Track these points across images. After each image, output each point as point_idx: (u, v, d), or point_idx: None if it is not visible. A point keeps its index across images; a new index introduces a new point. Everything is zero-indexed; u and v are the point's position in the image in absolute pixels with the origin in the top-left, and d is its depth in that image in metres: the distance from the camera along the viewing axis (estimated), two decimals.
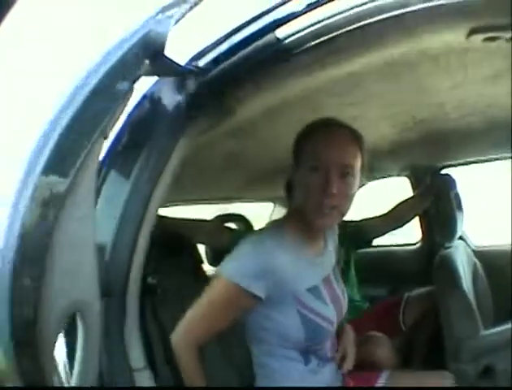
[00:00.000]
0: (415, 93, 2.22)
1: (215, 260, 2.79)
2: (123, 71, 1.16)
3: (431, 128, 2.77)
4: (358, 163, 1.76)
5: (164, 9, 1.21)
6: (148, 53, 1.19)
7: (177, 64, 1.39)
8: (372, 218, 3.57)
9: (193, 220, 2.72)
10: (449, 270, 2.82)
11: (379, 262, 2.87)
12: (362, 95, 2.12)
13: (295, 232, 1.87)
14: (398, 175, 3.73)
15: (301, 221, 1.83)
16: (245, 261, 1.77)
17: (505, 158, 3.66)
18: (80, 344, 1.17)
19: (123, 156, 1.31)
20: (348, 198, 1.75)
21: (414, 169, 3.44)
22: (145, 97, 1.38)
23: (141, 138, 1.34)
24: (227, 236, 2.69)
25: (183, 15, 1.25)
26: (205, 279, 2.38)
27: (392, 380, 2.07)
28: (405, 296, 3.17)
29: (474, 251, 3.63)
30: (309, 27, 1.39)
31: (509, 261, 3.43)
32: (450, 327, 2.66)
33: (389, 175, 3.90)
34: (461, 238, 3.44)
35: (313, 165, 1.70)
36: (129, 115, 1.34)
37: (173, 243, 2.23)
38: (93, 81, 1.13)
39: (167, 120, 1.40)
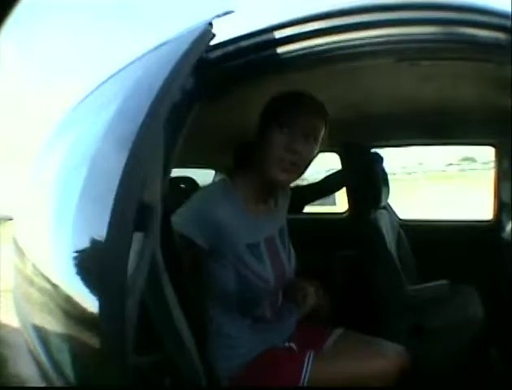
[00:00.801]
0: (349, 80, 2.46)
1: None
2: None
3: (360, 111, 3.09)
4: (321, 131, 1.97)
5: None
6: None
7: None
8: (304, 185, 3.95)
9: None
10: (373, 233, 3.14)
11: (309, 228, 3.15)
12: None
13: (243, 189, 2.04)
14: (329, 151, 4.00)
15: (253, 179, 2.04)
16: (189, 211, 1.92)
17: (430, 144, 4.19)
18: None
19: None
20: (307, 160, 1.96)
21: (345, 146, 3.66)
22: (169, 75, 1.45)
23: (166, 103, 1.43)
24: (179, 194, 3.00)
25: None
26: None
27: (343, 338, 2.21)
28: (335, 259, 3.55)
29: (399, 221, 4.02)
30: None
31: (430, 231, 3.97)
32: (377, 285, 2.99)
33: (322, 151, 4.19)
34: (385, 209, 3.76)
35: (281, 124, 1.91)
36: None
37: None
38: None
39: (186, 95, 1.59)
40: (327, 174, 3.98)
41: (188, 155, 3.59)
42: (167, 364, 1.62)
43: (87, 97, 2.25)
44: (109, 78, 2.06)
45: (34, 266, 1.73)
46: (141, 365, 1.46)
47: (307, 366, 1.97)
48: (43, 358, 1.76)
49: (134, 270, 1.30)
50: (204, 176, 4.32)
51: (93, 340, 1.36)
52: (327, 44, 1.59)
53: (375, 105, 2.97)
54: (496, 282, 3.14)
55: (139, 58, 1.80)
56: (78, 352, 1.55)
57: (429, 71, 2.20)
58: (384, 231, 3.25)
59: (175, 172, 3.61)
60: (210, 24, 1.56)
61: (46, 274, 1.81)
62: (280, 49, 1.65)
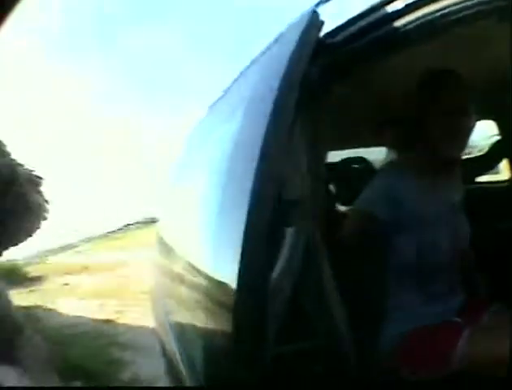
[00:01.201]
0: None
1: (346, 198, 3.04)
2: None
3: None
4: (472, 105, 2.10)
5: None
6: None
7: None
8: (472, 158, 3.82)
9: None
10: None
11: (473, 198, 3.12)
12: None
13: (416, 164, 2.20)
14: (486, 119, 3.76)
15: (425, 154, 2.17)
16: (370, 190, 2.17)
17: None
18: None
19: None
20: (469, 133, 2.13)
21: (500, 113, 3.54)
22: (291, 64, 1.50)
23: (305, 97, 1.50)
24: (353, 175, 3.07)
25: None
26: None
27: (500, 313, 2.14)
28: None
29: None
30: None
31: None
32: None
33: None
34: None
35: (439, 105, 2.07)
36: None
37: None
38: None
39: (314, 81, 1.60)
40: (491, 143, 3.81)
41: (353, 136, 3.65)
42: (316, 352, 1.63)
43: (214, 105, 2.33)
44: (231, 84, 2.12)
45: (187, 263, 1.80)
46: (285, 353, 1.49)
47: (464, 339, 1.96)
48: (177, 356, 1.83)
49: (285, 263, 1.38)
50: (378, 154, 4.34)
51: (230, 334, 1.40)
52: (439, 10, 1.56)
53: None
54: None
55: (256, 60, 1.84)
56: (214, 346, 1.62)
57: None
58: None
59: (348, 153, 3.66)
60: (315, 12, 1.58)
61: (199, 270, 1.90)
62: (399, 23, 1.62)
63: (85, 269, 13.16)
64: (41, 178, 3.63)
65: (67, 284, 11.46)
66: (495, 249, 3.11)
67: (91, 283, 11.20)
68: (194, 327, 1.58)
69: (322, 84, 1.67)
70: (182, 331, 1.86)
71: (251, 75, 1.86)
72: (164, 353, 2.12)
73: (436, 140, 2.08)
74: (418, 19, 1.59)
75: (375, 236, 2.10)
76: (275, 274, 1.34)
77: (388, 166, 2.31)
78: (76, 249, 17.01)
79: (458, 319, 2.12)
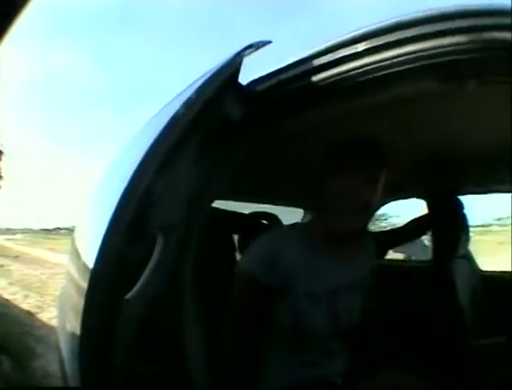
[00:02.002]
0: (431, 125, 2.41)
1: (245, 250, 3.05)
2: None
3: (446, 156, 2.98)
4: (382, 175, 1.99)
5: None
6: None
7: (243, 87, 1.71)
8: (388, 230, 3.87)
9: (234, 213, 2.98)
10: (445, 283, 3.11)
11: (391, 274, 3.10)
12: (388, 124, 2.34)
13: (317, 234, 2.08)
14: (416, 197, 3.94)
15: (326, 227, 2.05)
16: (258, 250, 2.05)
17: None
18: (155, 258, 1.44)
19: (196, 146, 1.52)
20: (370, 204, 1.98)
21: (432, 192, 3.60)
22: (213, 103, 1.56)
23: (210, 134, 1.58)
24: (260, 230, 3.03)
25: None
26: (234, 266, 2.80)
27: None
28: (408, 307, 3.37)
29: (478, 272, 3.84)
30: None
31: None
32: (440, 334, 2.96)
33: (409, 197, 4.16)
34: (465, 258, 3.62)
35: (343, 170, 1.95)
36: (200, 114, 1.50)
37: (214, 229, 2.36)
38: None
39: (232, 126, 1.65)
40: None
41: (272, 192, 3.66)
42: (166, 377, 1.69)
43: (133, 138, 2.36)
44: (153, 116, 2.12)
45: (84, 271, 1.79)
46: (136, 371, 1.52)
47: None
48: (65, 358, 1.84)
49: (142, 284, 1.40)
50: (293, 215, 4.32)
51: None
52: (362, 66, 1.56)
53: (458, 147, 2.88)
54: None
55: (179, 94, 1.84)
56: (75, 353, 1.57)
57: (498, 104, 1.95)
58: (459, 281, 3.17)
59: (260, 207, 3.66)
60: (239, 54, 1.59)
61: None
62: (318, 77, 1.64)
63: (18, 257, 13.65)
64: (1, 152, 3.61)
65: (1, 266, 11.93)
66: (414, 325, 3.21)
67: (21, 273, 11.73)
68: (73, 335, 1.56)
69: (241, 129, 1.71)
70: (70, 337, 1.84)
71: (171, 108, 1.86)
72: (60, 357, 2.11)
73: (334, 209, 1.99)
74: (342, 73, 1.60)
75: (256, 298, 2.07)
76: (133, 291, 1.36)
77: (284, 228, 2.27)
78: (14, 237, 17.29)
79: (336, 380, 2.13)
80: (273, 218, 3.28)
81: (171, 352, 1.71)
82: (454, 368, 2.81)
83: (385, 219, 8.59)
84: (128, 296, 1.34)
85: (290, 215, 4.13)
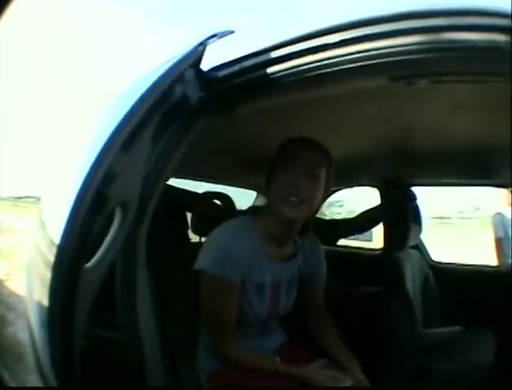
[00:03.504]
0: (385, 116, 2.48)
1: (198, 229, 3.12)
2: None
3: (399, 147, 3.07)
4: (323, 172, 2.18)
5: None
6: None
7: (205, 73, 1.83)
8: (342, 219, 4.02)
9: (188, 191, 3.05)
10: (394, 271, 3.19)
11: (340, 261, 3.20)
12: (342, 117, 2.47)
13: (263, 227, 2.25)
14: (370, 186, 4.10)
15: (270, 219, 2.23)
16: (213, 251, 2.14)
17: (473, 185, 4.09)
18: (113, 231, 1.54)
19: (154, 127, 1.61)
20: (312, 195, 2.16)
21: (383, 182, 3.79)
22: (175, 87, 1.71)
23: (168, 116, 1.70)
24: (212, 210, 3.13)
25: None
26: (188, 243, 2.92)
27: (323, 368, 2.29)
28: (355, 293, 3.57)
29: (430, 263, 4.03)
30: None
31: (464, 279, 3.85)
32: (389, 324, 3.05)
33: (361, 185, 4.30)
34: (417, 248, 3.83)
35: (284, 167, 2.15)
36: (162, 97, 1.63)
37: (168, 207, 2.56)
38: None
39: (190, 109, 1.77)
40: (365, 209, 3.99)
41: (227, 173, 3.75)
42: (119, 344, 1.87)
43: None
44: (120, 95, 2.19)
45: (50, 242, 1.87)
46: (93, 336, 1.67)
47: None
48: (35, 330, 1.89)
49: (103, 252, 1.52)
50: (246, 196, 4.47)
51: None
52: (315, 61, 1.65)
53: (410, 139, 2.97)
54: None
55: (147, 75, 1.93)
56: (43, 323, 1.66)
57: (452, 100, 2.12)
58: (408, 270, 3.28)
59: (213, 187, 3.75)
60: (202, 44, 1.73)
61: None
62: (277, 68, 1.74)
63: None
64: None
65: None
66: (359, 311, 3.35)
67: None
68: (45, 307, 1.65)
69: (196, 112, 1.84)
70: (38, 306, 1.92)
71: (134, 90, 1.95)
72: (29, 325, 2.16)
73: (273, 200, 2.17)
74: (297, 66, 1.69)
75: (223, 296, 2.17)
76: (93, 260, 1.48)
77: (233, 222, 2.29)
78: None
79: (276, 357, 2.32)
80: (226, 199, 3.35)
81: (125, 320, 1.85)
82: (401, 356, 2.97)
83: (341, 206, 8.69)
84: (88, 265, 1.44)
85: (243, 196, 4.33)
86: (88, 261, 1.46)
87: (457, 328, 3.02)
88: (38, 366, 1.64)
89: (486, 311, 3.27)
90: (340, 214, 7.78)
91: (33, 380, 1.66)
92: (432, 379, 2.88)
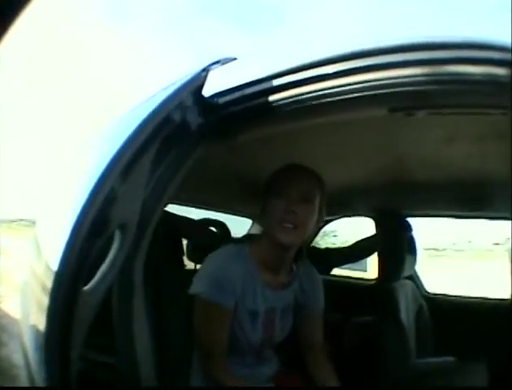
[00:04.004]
0: (383, 146, 2.54)
1: (193, 255, 3.17)
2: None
3: (396, 178, 3.12)
4: (317, 198, 2.24)
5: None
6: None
7: (206, 99, 1.86)
8: (336, 248, 4.03)
9: (184, 217, 3.08)
10: (388, 302, 3.21)
11: (334, 291, 3.23)
12: (339, 146, 2.51)
13: (257, 255, 2.29)
14: (365, 215, 4.09)
15: (265, 247, 2.27)
16: (208, 278, 2.20)
17: (468, 217, 4.11)
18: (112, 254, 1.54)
19: (155, 152, 1.62)
20: (306, 221, 2.21)
21: (378, 212, 3.80)
22: (176, 112, 1.72)
23: (168, 141, 1.72)
24: (208, 237, 3.15)
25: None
26: (182, 269, 2.94)
27: None
28: (349, 323, 3.54)
29: (424, 294, 4.03)
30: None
31: (458, 310, 3.83)
32: (385, 353, 3.06)
33: (357, 214, 4.32)
34: (411, 279, 3.82)
35: (279, 193, 2.20)
36: (163, 122, 1.64)
37: (165, 232, 2.60)
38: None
39: (190, 135, 1.80)
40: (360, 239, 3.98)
41: (221, 199, 3.77)
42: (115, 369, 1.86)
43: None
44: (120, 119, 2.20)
45: (46, 266, 1.88)
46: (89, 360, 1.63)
47: None
48: (30, 353, 1.89)
49: (101, 275, 1.52)
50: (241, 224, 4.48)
51: None
52: (316, 91, 1.67)
53: (407, 169, 2.99)
54: None
55: (148, 100, 1.95)
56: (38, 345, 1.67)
57: (449, 131, 2.17)
58: (402, 300, 3.30)
59: (209, 214, 3.77)
60: (205, 70, 1.75)
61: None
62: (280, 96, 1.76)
63: None
64: None
65: None
66: (354, 340, 3.35)
67: None
68: (40, 331, 1.65)
69: (196, 138, 1.87)
70: (33, 330, 1.92)
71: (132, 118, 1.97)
72: (23, 348, 2.16)
73: (268, 226, 2.22)
74: (297, 95, 1.72)
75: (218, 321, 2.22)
76: (91, 284, 1.48)
77: (225, 249, 2.35)
78: None
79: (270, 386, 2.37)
80: (221, 226, 3.41)
81: (122, 343, 1.85)
82: (395, 386, 2.95)
83: (335, 236, 8.70)
84: (86, 288, 1.44)
85: (239, 224, 4.33)
86: (86, 284, 1.47)
87: (450, 359, 3.03)
88: (33, 387, 1.64)
89: (479, 343, 3.30)
90: (334, 244, 7.76)
91: None
92: None
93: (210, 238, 3.15)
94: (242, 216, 4.41)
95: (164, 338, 2.18)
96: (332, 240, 8.66)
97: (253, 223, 4.44)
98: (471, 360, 3.02)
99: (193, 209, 3.69)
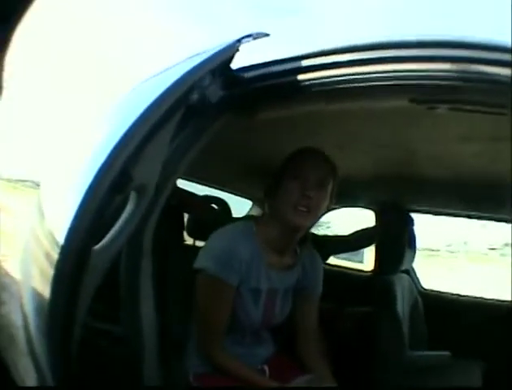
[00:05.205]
0: (391, 139, 2.58)
1: (193, 231, 3.20)
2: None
3: (404, 172, 3.17)
4: (330, 183, 2.25)
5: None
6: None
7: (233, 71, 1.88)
8: (334, 236, 4.06)
9: (188, 192, 3.09)
10: (385, 294, 3.26)
11: (330, 280, 3.27)
12: (351, 133, 2.54)
13: (263, 234, 2.30)
14: (366, 207, 4.17)
15: (272, 227, 2.29)
16: (213, 251, 2.23)
17: (474, 217, 4.08)
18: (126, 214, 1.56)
19: (179, 118, 1.65)
20: (318, 206, 2.23)
21: (383, 204, 3.83)
22: (203, 80, 1.74)
23: (192, 110, 1.73)
24: (210, 214, 3.17)
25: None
26: (182, 244, 2.97)
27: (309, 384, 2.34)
28: (345, 313, 3.54)
29: (420, 290, 4.08)
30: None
31: (452, 307, 3.91)
32: (378, 345, 3.08)
33: (358, 205, 4.36)
34: (407, 273, 3.88)
35: (295, 174, 2.21)
36: (190, 90, 1.68)
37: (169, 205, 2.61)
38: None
39: (212, 106, 1.80)
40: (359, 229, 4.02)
41: (225, 178, 3.80)
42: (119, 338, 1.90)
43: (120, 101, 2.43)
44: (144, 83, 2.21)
45: (49, 232, 1.89)
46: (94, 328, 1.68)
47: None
48: (29, 316, 1.91)
49: (108, 241, 1.54)
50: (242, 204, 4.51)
51: None
52: (343, 75, 1.72)
53: (416, 164, 3.03)
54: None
55: (171, 67, 1.97)
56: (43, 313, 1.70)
57: (466, 131, 2.21)
58: (398, 294, 3.33)
59: (209, 191, 3.78)
60: (239, 41, 1.77)
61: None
62: (304, 77, 1.80)
63: None
64: None
65: None
66: (348, 330, 3.39)
67: None
68: (40, 294, 1.66)
69: (217, 109, 1.88)
70: (35, 297, 1.94)
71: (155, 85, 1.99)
72: (23, 311, 2.17)
73: (281, 207, 2.22)
74: (322, 78, 1.76)
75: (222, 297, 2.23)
76: (101, 243, 1.50)
77: (232, 227, 2.38)
78: None
79: (264, 367, 2.38)
80: (222, 204, 3.41)
81: (128, 314, 1.88)
82: (390, 377, 2.98)
83: (328, 227, 8.72)
84: (97, 247, 1.46)
85: (239, 204, 4.34)
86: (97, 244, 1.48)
87: (446, 353, 3.08)
88: (30, 349, 1.65)
89: (473, 340, 3.35)
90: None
91: (25, 362, 1.67)
92: None
93: (212, 215, 3.17)
94: (243, 197, 4.43)
95: (164, 312, 2.20)
96: (326, 231, 8.68)
97: (253, 205, 4.46)
98: (466, 358, 3.08)
99: (193, 184, 3.66)
